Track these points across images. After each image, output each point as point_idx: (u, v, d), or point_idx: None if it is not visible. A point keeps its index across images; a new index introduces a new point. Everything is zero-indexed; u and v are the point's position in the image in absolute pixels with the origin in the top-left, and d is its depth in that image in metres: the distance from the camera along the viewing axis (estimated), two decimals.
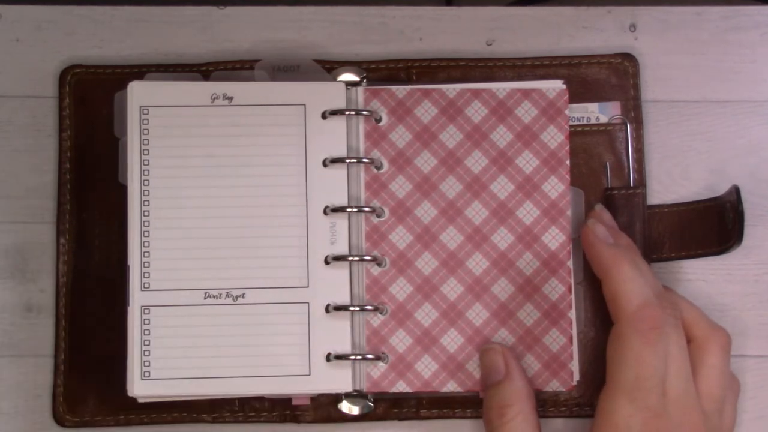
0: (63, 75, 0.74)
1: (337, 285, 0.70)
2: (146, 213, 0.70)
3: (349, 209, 0.70)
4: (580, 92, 0.74)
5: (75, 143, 0.73)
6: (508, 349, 0.69)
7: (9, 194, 0.73)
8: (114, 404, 0.71)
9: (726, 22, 0.75)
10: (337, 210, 0.70)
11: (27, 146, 0.74)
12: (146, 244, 0.69)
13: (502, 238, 0.70)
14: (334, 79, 0.73)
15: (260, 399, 0.72)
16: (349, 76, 0.73)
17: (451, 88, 0.71)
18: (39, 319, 0.73)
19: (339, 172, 0.71)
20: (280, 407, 0.72)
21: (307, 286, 0.70)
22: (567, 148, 0.71)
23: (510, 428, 0.66)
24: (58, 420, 0.72)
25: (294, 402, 0.72)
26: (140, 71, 0.74)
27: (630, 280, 0.66)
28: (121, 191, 0.71)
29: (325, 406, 0.72)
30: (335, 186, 0.70)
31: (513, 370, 0.68)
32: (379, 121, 0.71)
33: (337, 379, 0.70)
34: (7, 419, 0.72)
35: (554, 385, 0.70)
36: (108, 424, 0.72)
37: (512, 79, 0.74)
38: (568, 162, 0.71)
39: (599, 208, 0.71)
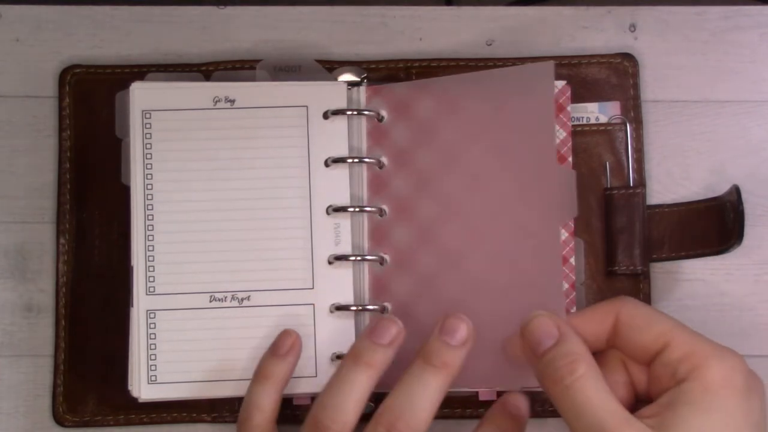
0: (63, 75, 0.74)
1: (341, 285, 0.70)
2: (150, 217, 0.69)
3: (351, 209, 0.70)
4: (580, 92, 0.74)
5: (75, 143, 0.73)
6: (555, 314, 0.63)
7: (9, 194, 0.73)
8: (114, 404, 0.71)
9: (726, 22, 0.75)
10: (339, 210, 0.70)
11: (27, 146, 0.74)
12: (150, 248, 0.69)
13: (504, 235, 0.70)
14: (335, 80, 0.73)
15: None
16: (349, 76, 0.73)
17: (452, 85, 0.71)
18: (39, 319, 0.73)
19: (341, 172, 0.71)
20: (281, 407, 0.71)
21: (312, 288, 0.70)
22: (569, 144, 0.71)
23: (587, 382, 0.59)
24: (58, 420, 0.71)
25: (295, 402, 0.71)
26: (140, 71, 0.74)
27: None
28: (122, 191, 0.71)
29: None
30: (338, 186, 0.70)
31: (567, 330, 0.62)
32: (381, 120, 0.71)
33: None
34: (7, 419, 0.72)
35: None
36: (108, 423, 0.72)
37: None
38: (570, 159, 0.71)
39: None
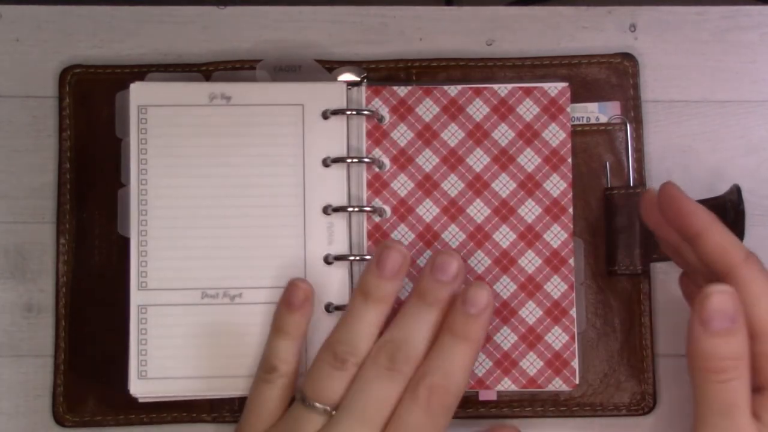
0: (63, 75, 0.74)
1: (337, 284, 0.70)
2: (144, 212, 0.69)
3: (350, 209, 0.70)
4: (580, 92, 0.74)
5: (75, 143, 0.73)
6: (736, 295, 0.61)
7: (9, 194, 0.73)
8: (114, 404, 0.71)
9: (726, 22, 0.75)
10: (338, 210, 0.70)
11: (27, 146, 0.74)
12: (143, 243, 0.69)
13: (504, 236, 0.70)
14: (335, 79, 0.73)
15: None
16: (349, 76, 0.73)
17: (453, 87, 0.72)
18: (39, 319, 0.73)
19: (340, 172, 0.71)
20: None
21: None
22: (569, 146, 0.71)
23: (741, 387, 0.60)
24: (58, 420, 0.71)
25: None
26: (140, 71, 0.74)
27: (729, 234, 0.63)
28: None
29: None
30: (336, 186, 0.70)
31: (742, 322, 0.60)
32: (381, 120, 0.71)
33: None
34: (7, 419, 0.72)
35: (557, 384, 0.70)
36: (108, 424, 0.72)
37: (512, 79, 0.74)
38: (570, 160, 0.71)
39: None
